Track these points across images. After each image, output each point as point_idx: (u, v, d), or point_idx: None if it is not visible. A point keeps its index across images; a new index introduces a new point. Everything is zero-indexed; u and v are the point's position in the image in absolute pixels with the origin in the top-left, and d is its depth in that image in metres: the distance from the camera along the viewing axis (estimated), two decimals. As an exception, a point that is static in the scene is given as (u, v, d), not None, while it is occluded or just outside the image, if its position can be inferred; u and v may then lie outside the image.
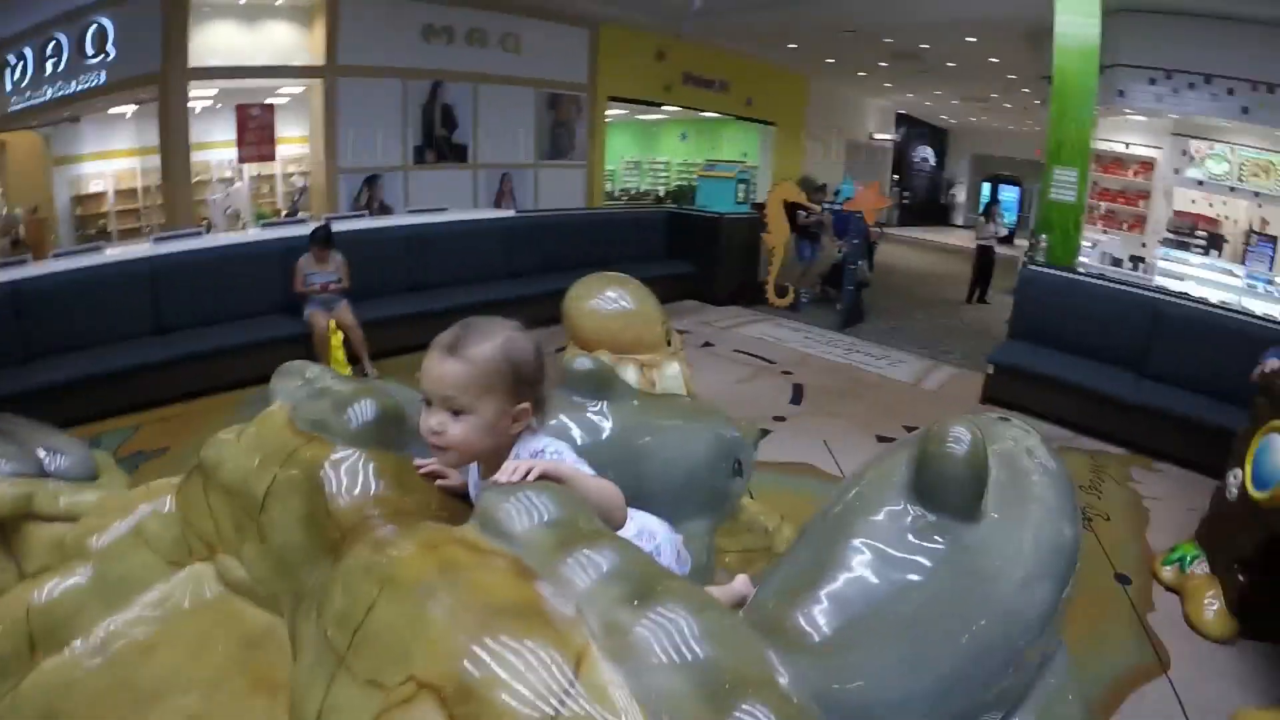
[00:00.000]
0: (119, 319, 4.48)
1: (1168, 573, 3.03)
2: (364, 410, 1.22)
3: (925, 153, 19.26)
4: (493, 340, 1.09)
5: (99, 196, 9.71)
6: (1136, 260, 8.42)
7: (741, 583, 1.48)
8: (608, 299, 3.47)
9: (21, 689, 1.28)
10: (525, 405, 1.12)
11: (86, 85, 7.31)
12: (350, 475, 1.13)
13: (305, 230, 5.10)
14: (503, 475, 1.05)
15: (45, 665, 1.30)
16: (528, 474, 1.03)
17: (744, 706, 0.73)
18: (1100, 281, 5.34)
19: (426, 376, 1.09)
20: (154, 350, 4.36)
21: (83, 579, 1.39)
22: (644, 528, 1.26)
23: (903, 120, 17.95)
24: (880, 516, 1.10)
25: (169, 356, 4.35)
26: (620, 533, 1.18)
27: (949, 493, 1.10)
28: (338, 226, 5.14)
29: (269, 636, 1.28)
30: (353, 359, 4.84)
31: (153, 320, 4.62)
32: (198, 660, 1.28)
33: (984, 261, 9.03)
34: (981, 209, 10.90)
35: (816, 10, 8.76)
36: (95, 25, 7.08)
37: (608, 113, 10.74)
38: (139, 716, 1.20)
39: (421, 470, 1.24)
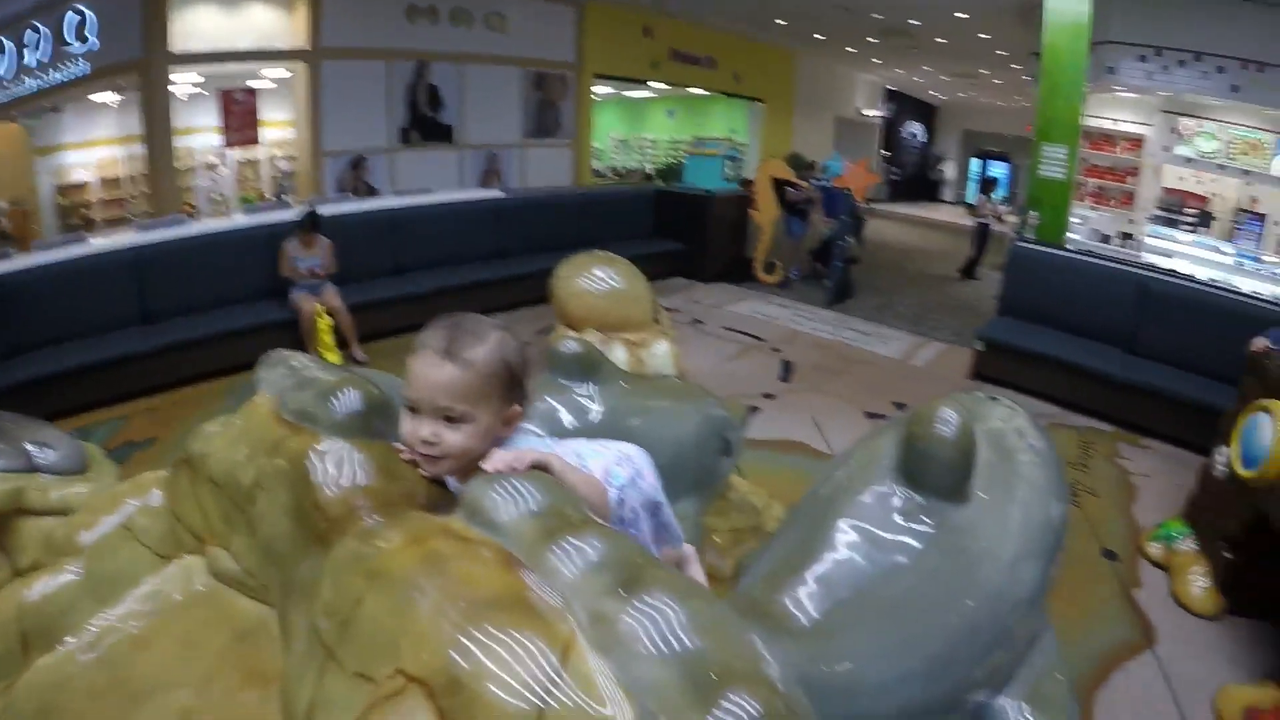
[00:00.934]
0: (105, 309, 4.43)
1: (1155, 549, 3.06)
2: (349, 400, 1.21)
3: (914, 128, 19.16)
4: (487, 343, 1.05)
5: (83, 186, 9.62)
6: (1125, 237, 8.44)
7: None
8: (595, 278, 3.47)
9: (16, 688, 1.28)
10: (518, 408, 1.10)
11: (69, 75, 7.22)
12: (336, 465, 1.12)
13: (289, 215, 5.07)
14: (490, 465, 1.02)
15: (39, 663, 1.30)
16: (516, 465, 1.00)
17: (731, 697, 0.73)
18: (1089, 258, 5.36)
19: (419, 383, 1.04)
20: (141, 339, 4.32)
21: (73, 575, 1.39)
22: (621, 454, 1.23)
23: (892, 96, 17.86)
24: (868, 498, 1.11)
25: (156, 345, 4.31)
26: (600, 461, 1.17)
27: (936, 474, 1.10)
28: (324, 210, 5.11)
29: (261, 628, 1.28)
30: (342, 343, 4.82)
31: (139, 309, 4.57)
32: (190, 654, 1.28)
33: (981, 238, 9.06)
34: (980, 187, 10.97)
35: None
36: (75, 14, 6.99)
37: (595, 91, 10.63)
38: (133, 712, 1.19)
39: (406, 457, 1.22)
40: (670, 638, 0.74)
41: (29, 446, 2.80)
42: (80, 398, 4.03)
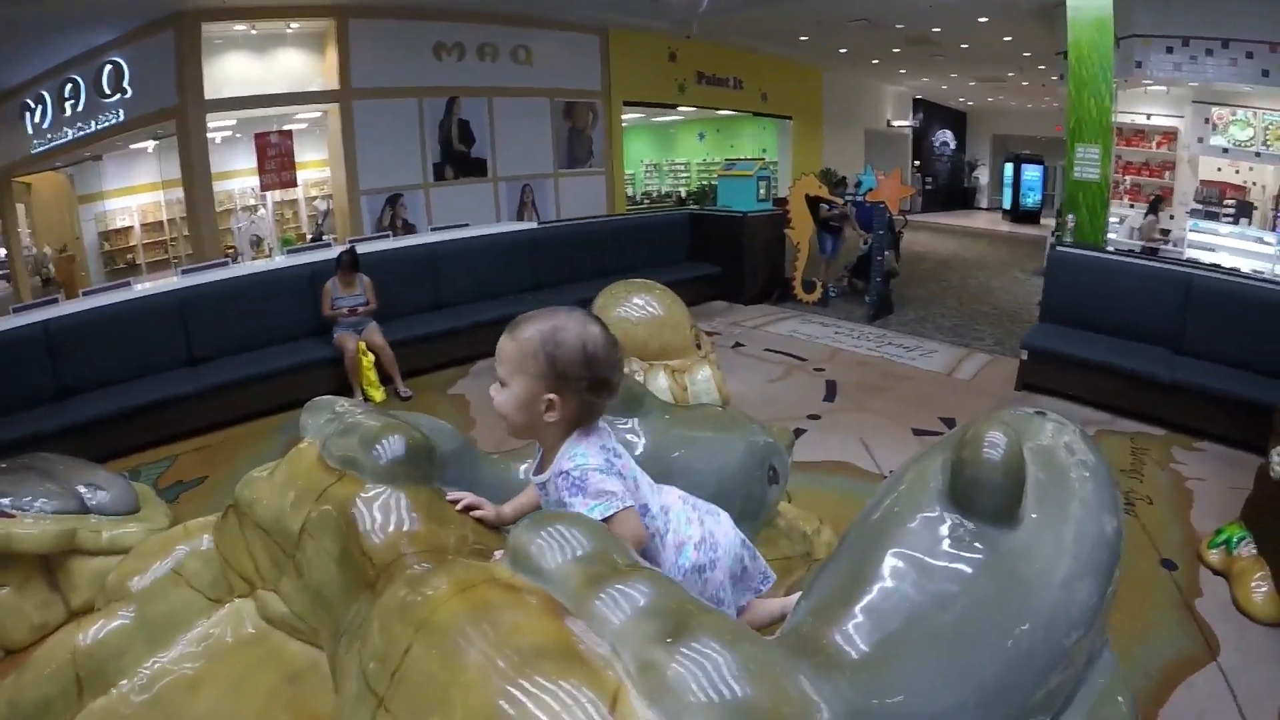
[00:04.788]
0: (151, 352, 4.55)
1: (1214, 556, 2.95)
2: (392, 446, 1.22)
3: (945, 136, 19.02)
4: (540, 325, 1.15)
5: (125, 231, 9.92)
6: (1164, 233, 8.25)
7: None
8: (634, 306, 3.45)
9: (70, 732, 1.28)
10: (551, 396, 1.14)
11: (106, 123, 7.48)
12: (383, 512, 1.14)
13: (330, 254, 5.15)
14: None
15: (92, 706, 1.32)
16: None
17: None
18: (1129, 258, 5.24)
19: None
20: (187, 381, 4.42)
21: (126, 620, 1.41)
22: (707, 536, 1.30)
23: (920, 105, 17.75)
24: (916, 525, 1.08)
25: (202, 387, 4.39)
26: (684, 535, 1.27)
27: (986, 500, 1.08)
28: (362, 248, 5.18)
29: (311, 670, 1.29)
30: (385, 379, 4.86)
31: (184, 351, 4.69)
32: (241, 696, 1.30)
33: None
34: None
35: (824, 2, 8.70)
36: (110, 65, 7.23)
37: (624, 117, 10.71)
38: (187, 753, 1.19)
39: (457, 506, 1.24)
40: (720, 685, 0.73)
41: (81, 489, 2.88)
42: (130, 439, 4.13)
